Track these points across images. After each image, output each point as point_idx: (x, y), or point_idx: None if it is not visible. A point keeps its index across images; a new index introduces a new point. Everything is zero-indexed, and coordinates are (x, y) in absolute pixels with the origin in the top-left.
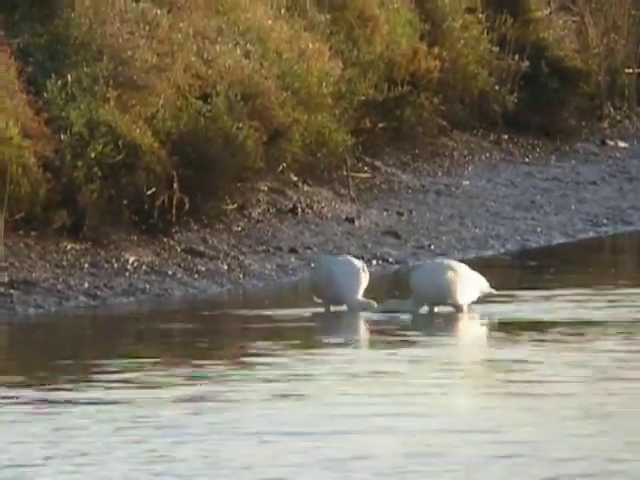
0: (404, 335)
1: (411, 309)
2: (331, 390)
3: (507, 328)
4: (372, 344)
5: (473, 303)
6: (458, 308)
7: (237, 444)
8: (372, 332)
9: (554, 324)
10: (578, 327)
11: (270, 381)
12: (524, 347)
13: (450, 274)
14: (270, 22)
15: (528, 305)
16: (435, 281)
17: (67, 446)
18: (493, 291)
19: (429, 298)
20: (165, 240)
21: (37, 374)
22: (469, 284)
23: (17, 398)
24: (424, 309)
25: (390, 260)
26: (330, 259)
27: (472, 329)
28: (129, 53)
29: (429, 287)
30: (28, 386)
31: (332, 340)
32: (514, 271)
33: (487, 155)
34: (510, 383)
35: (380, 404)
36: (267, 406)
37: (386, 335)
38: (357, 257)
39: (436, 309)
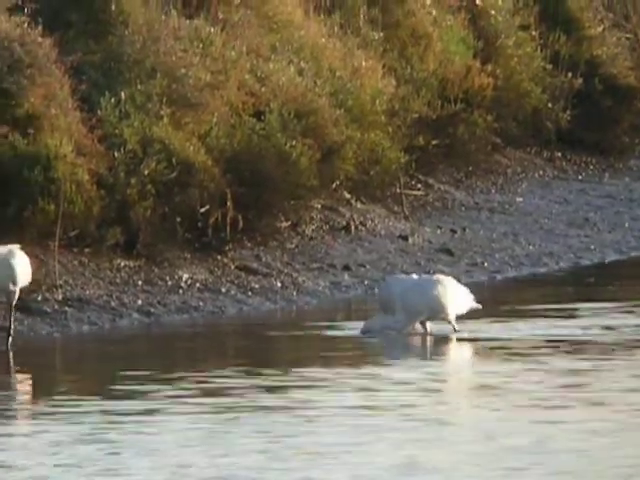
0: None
1: (401, 325)
2: None
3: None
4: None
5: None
6: (449, 322)
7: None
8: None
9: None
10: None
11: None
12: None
13: (440, 288)
14: (324, 40)
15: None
16: (426, 296)
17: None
18: (479, 306)
19: (420, 313)
20: (219, 258)
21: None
22: (459, 298)
23: None
24: (413, 325)
25: None
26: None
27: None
28: (183, 71)
29: (420, 302)
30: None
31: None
32: (567, 288)
33: (540, 172)
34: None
35: None
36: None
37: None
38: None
39: (428, 324)
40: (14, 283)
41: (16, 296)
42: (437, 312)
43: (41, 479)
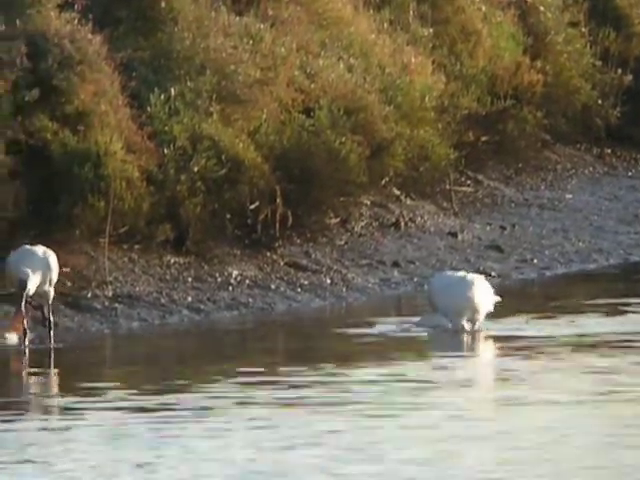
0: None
1: (448, 323)
2: None
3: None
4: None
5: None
6: (476, 320)
7: None
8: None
9: None
10: None
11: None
12: None
13: (473, 288)
14: (373, 36)
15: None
16: (462, 295)
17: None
18: (499, 299)
19: (458, 312)
20: (268, 254)
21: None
22: (489, 297)
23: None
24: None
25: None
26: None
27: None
28: (232, 67)
29: (455, 301)
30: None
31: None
32: (617, 285)
33: (590, 169)
34: None
35: None
36: None
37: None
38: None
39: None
40: (50, 283)
41: (52, 295)
42: (472, 311)
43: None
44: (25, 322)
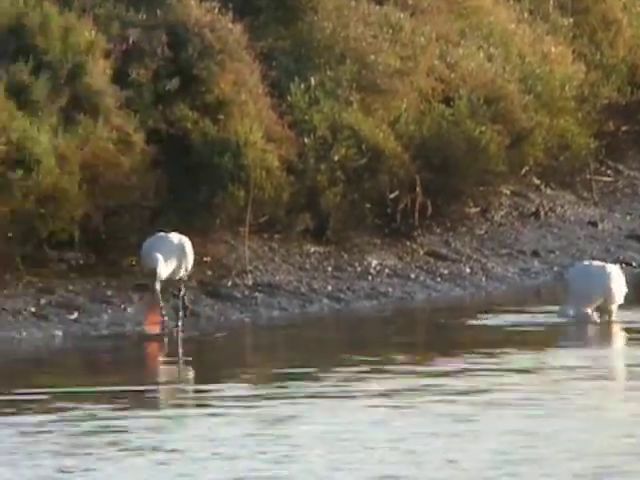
0: None
1: (576, 312)
2: None
3: None
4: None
5: None
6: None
7: None
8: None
9: None
10: None
11: None
12: None
13: (610, 277)
14: (513, 25)
15: None
16: (597, 284)
17: None
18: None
19: (589, 300)
20: (408, 243)
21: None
22: (623, 287)
23: None
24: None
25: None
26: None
27: None
28: (372, 57)
29: (589, 289)
30: None
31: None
32: None
33: None
34: None
35: None
36: None
37: None
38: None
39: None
40: (186, 270)
41: (184, 285)
42: (607, 299)
43: None
44: (162, 310)
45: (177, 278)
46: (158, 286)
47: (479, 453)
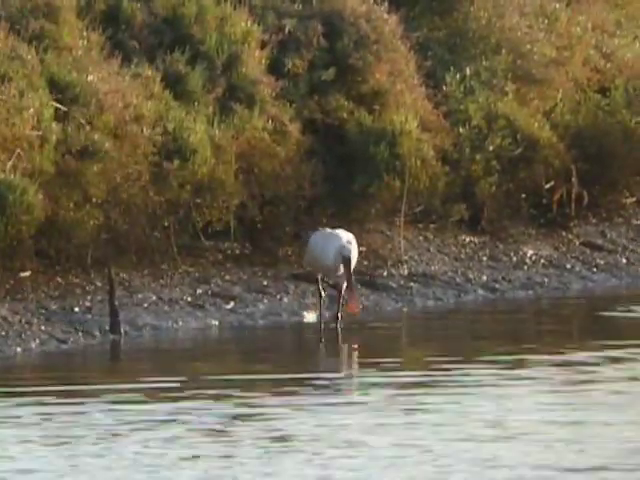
0: None
1: None
2: None
3: None
4: None
5: None
6: None
7: None
8: None
9: None
10: None
11: None
12: None
13: None
14: None
15: None
16: None
17: None
18: None
19: None
20: (563, 234)
21: None
22: None
23: None
24: None
25: None
26: None
27: None
28: (528, 47)
29: None
30: None
31: None
32: None
33: None
34: None
35: None
36: None
37: None
38: None
39: None
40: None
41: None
42: None
43: None
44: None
45: (340, 273)
46: (351, 276)
47: None
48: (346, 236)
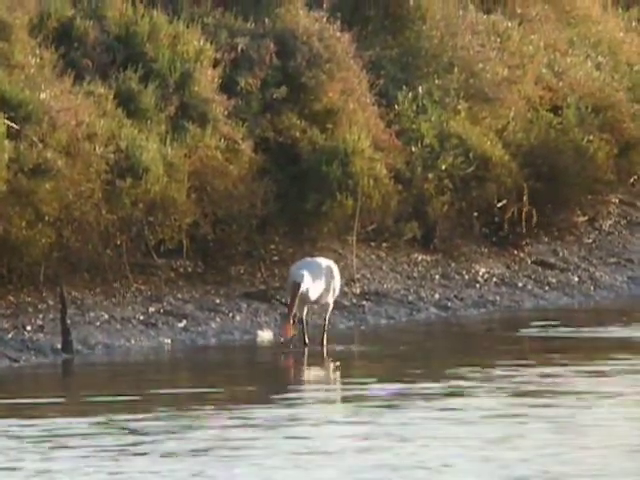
0: None
1: None
2: None
3: None
4: None
5: None
6: None
7: None
8: None
9: None
10: None
11: None
12: None
13: None
14: (621, 34)
15: None
16: None
17: None
18: None
19: None
20: (515, 252)
21: None
22: None
23: None
24: None
25: None
26: None
27: None
28: (480, 65)
29: None
30: None
31: None
32: None
33: None
34: None
35: None
36: None
37: None
38: None
39: None
40: (333, 294)
41: (331, 308)
42: None
43: None
44: (291, 326)
45: (324, 302)
46: (295, 302)
47: None
48: (325, 262)
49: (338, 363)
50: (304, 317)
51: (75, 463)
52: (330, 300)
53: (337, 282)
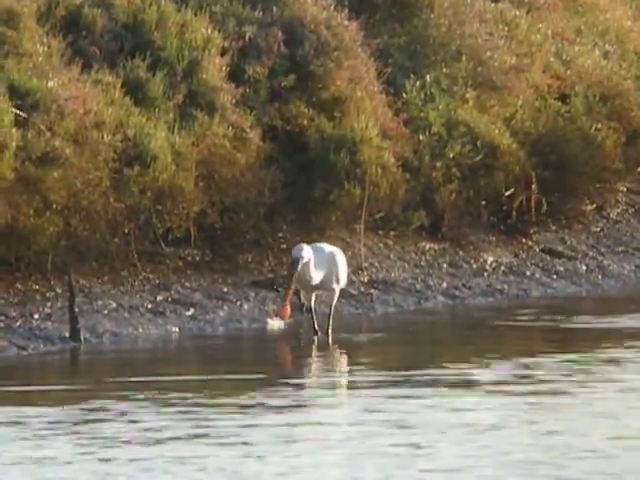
0: None
1: None
2: None
3: None
4: None
5: None
6: None
7: None
8: None
9: None
10: None
11: None
12: None
13: None
14: (629, 23)
15: None
16: None
17: None
18: None
19: None
20: (523, 241)
21: None
22: None
23: None
24: None
25: None
26: None
27: None
28: (488, 54)
29: None
30: None
31: None
32: None
33: None
34: None
35: None
36: None
37: None
38: None
39: None
40: (337, 281)
41: (337, 295)
42: None
43: None
44: (288, 308)
45: (328, 287)
46: (293, 281)
47: None
48: (328, 248)
49: (344, 351)
50: (312, 305)
51: (75, 449)
52: (335, 287)
53: (342, 268)
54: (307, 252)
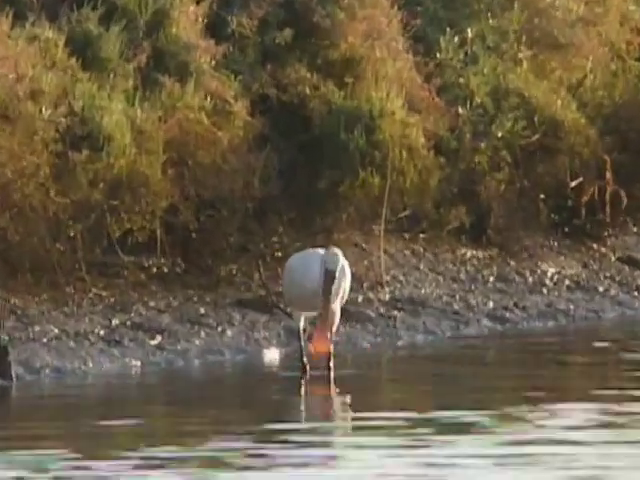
0: None
1: None
2: None
3: None
4: None
5: None
6: None
7: None
8: None
9: None
10: None
11: None
12: None
13: None
14: None
15: None
16: None
17: None
18: None
19: None
20: (595, 246)
21: None
22: None
23: None
24: None
25: None
26: None
27: None
28: (548, 1)
29: None
30: None
31: None
32: None
33: None
34: None
35: None
36: None
37: None
38: None
39: None
40: (343, 296)
41: (339, 314)
42: None
43: None
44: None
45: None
46: (330, 301)
47: None
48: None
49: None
50: (301, 328)
51: None
52: (339, 304)
53: (348, 281)
54: (342, 261)
